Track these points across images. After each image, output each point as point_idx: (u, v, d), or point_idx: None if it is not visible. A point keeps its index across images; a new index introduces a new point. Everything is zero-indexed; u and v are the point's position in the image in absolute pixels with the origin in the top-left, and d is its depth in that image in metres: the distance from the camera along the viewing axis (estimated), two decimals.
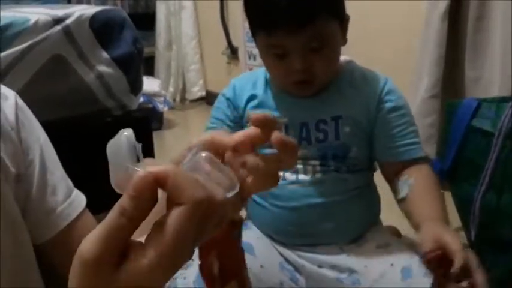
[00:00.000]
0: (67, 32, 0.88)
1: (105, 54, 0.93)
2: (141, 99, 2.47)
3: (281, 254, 0.85)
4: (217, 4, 2.86)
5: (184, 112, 3.07)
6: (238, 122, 0.87)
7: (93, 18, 0.91)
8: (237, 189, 0.29)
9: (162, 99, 2.62)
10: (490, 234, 1.00)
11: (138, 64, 0.99)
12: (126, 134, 0.28)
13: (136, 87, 1.01)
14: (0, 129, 0.48)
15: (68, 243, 0.53)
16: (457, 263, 0.61)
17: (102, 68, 0.92)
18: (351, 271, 0.81)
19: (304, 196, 0.84)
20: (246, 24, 3.11)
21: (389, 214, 0.99)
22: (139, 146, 0.28)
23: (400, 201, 0.82)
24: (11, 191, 0.48)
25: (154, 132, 2.54)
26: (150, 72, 3.19)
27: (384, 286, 0.77)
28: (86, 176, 0.62)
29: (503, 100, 1.03)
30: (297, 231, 0.85)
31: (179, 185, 0.26)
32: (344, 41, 0.82)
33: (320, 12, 0.74)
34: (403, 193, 0.80)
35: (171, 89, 3.20)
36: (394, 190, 0.84)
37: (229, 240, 0.64)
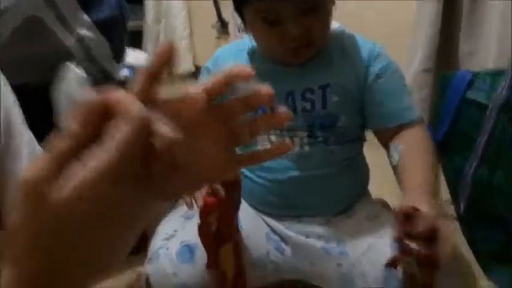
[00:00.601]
0: None
1: (86, 17, 0.88)
2: (127, 73, 2.46)
3: (267, 224, 0.84)
4: None
5: (172, 87, 3.01)
6: None
7: None
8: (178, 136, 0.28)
9: None
10: (480, 208, 0.99)
11: (121, 30, 0.95)
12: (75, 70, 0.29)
13: (119, 53, 0.97)
14: None
15: None
16: (423, 223, 0.59)
17: (83, 32, 0.88)
18: (339, 241, 0.80)
19: (291, 169, 0.82)
20: None
21: (379, 187, 0.97)
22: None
23: (394, 169, 0.81)
24: None
25: None
26: (138, 46, 3.12)
27: (372, 258, 0.76)
28: None
29: (498, 73, 1.00)
30: (283, 203, 0.83)
31: (125, 107, 0.26)
32: (334, 1, 0.79)
33: None
34: (394, 160, 0.79)
35: None
36: (388, 157, 0.83)
37: (229, 201, 0.63)
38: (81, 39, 0.87)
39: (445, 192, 1.11)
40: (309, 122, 0.81)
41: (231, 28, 2.86)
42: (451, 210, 1.19)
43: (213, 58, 0.89)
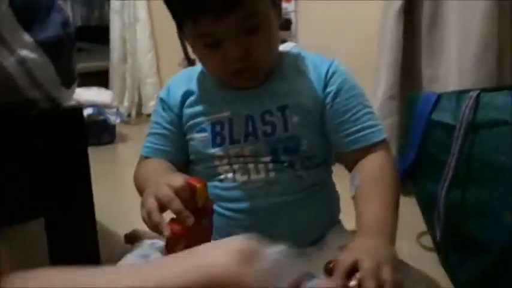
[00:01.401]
0: None
1: (27, 37, 0.80)
2: (91, 111, 2.38)
3: None
4: None
5: (139, 126, 2.93)
6: (175, 125, 0.80)
7: None
8: None
9: (114, 110, 2.48)
10: (457, 234, 0.93)
11: (68, 51, 0.88)
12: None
13: (68, 77, 0.89)
14: None
15: None
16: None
17: (25, 52, 0.80)
18: (312, 277, 0.72)
19: (257, 197, 0.76)
20: None
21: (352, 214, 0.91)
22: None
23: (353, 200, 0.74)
24: None
25: (106, 146, 2.44)
26: (104, 86, 3.05)
27: None
28: (5, 173, 0.50)
29: (462, 92, 0.98)
30: (255, 233, 0.76)
31: None
32: (280, 19, 0.76)
33: None
34: (351, 191, 0.73)
35: (126, 103, 3.06)
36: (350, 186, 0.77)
37: (200, 229, 0.56)
38: (22, 61, 0.79)
39: (421, 224, 1.07)
40: (271, 146, 0.75)
41: (199, 64, 2.84)
42: (427, 241, 1.15)
43: (165, 88, 0.83)
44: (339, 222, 0.87)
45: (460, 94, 0.93)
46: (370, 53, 1.55)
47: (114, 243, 1.18)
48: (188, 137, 0.79)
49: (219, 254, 0.44)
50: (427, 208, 1.01)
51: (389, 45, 1.42)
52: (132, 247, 0.82)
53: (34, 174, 0.78)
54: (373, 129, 0.76)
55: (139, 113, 3.11)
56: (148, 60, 3.03)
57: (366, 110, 0.77)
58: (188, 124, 0.79)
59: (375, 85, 1.47)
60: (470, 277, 0.93)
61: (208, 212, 0.62)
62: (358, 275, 0.54)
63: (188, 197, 0.58)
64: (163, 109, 0.81)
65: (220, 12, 0.65)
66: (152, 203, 0.58)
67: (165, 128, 0.80)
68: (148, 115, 3.13)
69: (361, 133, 0.75)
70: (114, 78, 3.12)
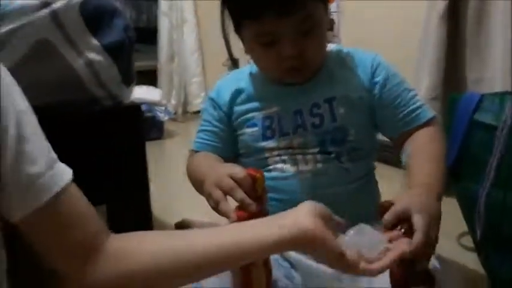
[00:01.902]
0: (54, 16, 0.83)
1: (95, 41, 0.88)
2: (144, 108, 2.48)
3: None
4: (218, 17, 2.85)
5: (185, 123, 3.03)
6: (224, 122, 0.84)
7: (84, 4, 0.87)
8: None
9: (163, 108, 2.59)
10: (498, 234, 0.93)
11: (129, 53, 0.95)
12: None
13: (128, 77, 0.96)
14: None
15: (50, 220, 0.47)
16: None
17: (92, 55, 0.88)
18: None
19: (306, 188, 0.79)
20: None
21: None
22: None
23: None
24: None
25: (154, 142, 2.55)
26: (153, 84, 3.17)
27: (385, 282, 0.70)
28: (72, 165, 0.56)
29: (506, 93, 0.98)
30: None
31: None
32: (330, 24, 0.80)
33: None
34: (403, 162, 0.77)
35: (173, 101, 3.17)
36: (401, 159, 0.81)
37: (261, 214, 0.62)
38: (90, 63, 0.87)
39: (462, 224, 1.07)
40: (320, 137, 0.79)
41: (242, 65, 2.90)
42: (467, 241, 1.14)
43: (215, 88, 0.88)
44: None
45: (503, 95, 0.93)
46: (412, 53, 1.54)
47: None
48: (238, 132, 0.83)
49: (301, 214, 0.53)
50: (468, 208, 1.00)
51: (433, 46, 1.41)
52: None
53: (98, 164, 0.85)
54: (422, 109, 0.80)
55: (185, 111, 3.21)
56: (194, 60, 3.12)
57: (412, 93, 0.81)
58: (238, 120, 0.83)
59: (416, 85, 1.46)
60: (510, 277, 0.92)
61: (266, 198, 0.67)
62: (405, 225, 0.58)
63: (250, 186, 0.63)
64: (213, 108, 0.86)
65: (282, 12, 0.70)
66: (219, 193, 0.64)
67: (214, 125, 0.85)
68: (194, 112, 3.22)
69: (413, 114, 0.79)
70: (162, 77, 3.24)
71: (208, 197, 0.67)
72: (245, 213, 0.61)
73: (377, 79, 0.80)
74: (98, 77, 0.89)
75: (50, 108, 0.83)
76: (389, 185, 0.85)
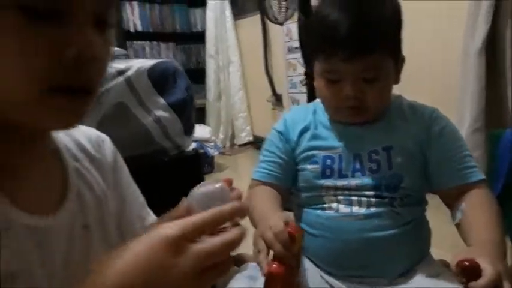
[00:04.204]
0: (128, 82, 0.94)
1: (162, 100, 0.98)
2: (194, 145, 2.60)
3: (330, 284, 0.82)
4: (262, 57, 2.96)
5: (233, 156, 3.12)
6: (289, 155, 0.86)
7: (151, 69, 0.98)
8: None
9: (212, 144, 2.69)
10: None
11: (190, 108, 1.04)
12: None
13: (189, 128, 1.05)
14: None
15: None
16: (486, 276, 0.55)
17: (160, 113, 0.97)
18: None
19: (357, 230, 0.79)
20: (289, 73, 3.20)
21: (440, 249, 0.93)
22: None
23: (457, 227, 0.77)
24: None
25: (206, 176, 2.63)
26: (202, 121, 3.31)
27: None
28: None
29: None
30: (347, 263, 0.81)
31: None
32: (397, 80, 0.81)
33: (377, 46, 0.74)
34: (456, 219, 0.76)
35: (221, 135, 3.29)
36: (452, 216, 0.80)
37: (293, 270, 0.64)
38: (158, 120, 0.97)
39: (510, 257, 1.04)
40: (375, 182, 0.79)
41: (285, 100, 2.98)
42: None
43: (282, 122, 0.90)
44: (428, 254, 0.89)
45: None
46: (451, 89, 1.54)
47: None
48: (300, 166, 0.85)
49: None
50: None
51: (473, 78, 1.40)
52: (238, 269, 0.92)
53: (169, 205, 0.93)
54: (475, 169, 0.78)
55: (232, 144, 3.31)
56: (239, 97, 3.24)
57: (467, 152, 0.80)
58: (302, 156, 0.85)
59: (458, 120, 1.46)
60: None
61: (300, 256, 0.70)
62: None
63: (287, 242, 0.64)
64: (280, 140, 0.87)
65: (348, 57, 0.73)
66: (261, 244, 0.66)
67: (279, 157, 0.86)
68: (240, 145, 3.32)
69: (465, 171, 0.78)
70: (210, 113, 3.38)
71: (254, 244, 0.69)
72: (277, 267, 0.61)
73: (434, 130, 0.80)
74: (165, 131, 0.99)
75: (126, 161, 0.93)
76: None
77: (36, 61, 0.35)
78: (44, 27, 0.35)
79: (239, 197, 0.45)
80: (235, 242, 0.36)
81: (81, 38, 0.36)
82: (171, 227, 0.34)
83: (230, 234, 0.36)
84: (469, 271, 0.56)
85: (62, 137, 0.49)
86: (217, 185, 0.44)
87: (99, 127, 0.89)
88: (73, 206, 0.46)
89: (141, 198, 0.59)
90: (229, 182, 0.41)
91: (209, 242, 0.34)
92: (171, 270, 0.32)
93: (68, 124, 0.40)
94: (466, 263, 0.57)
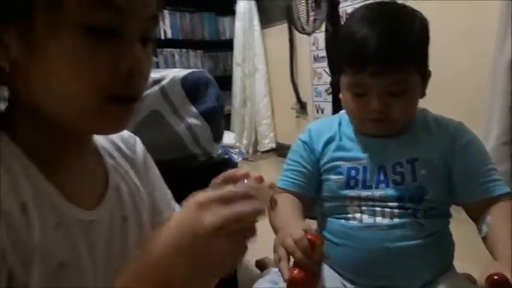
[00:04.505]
0: (163, 91, 0.99)
1: (193, 109, 1.02)
2: (219, 151, 2.65)
3: None
4: (287, 65, 2.99)
5: (255, 162, 3.15)
6: (313, 165, 0.88)
7: (184, 79, 1.02)
8: None
9: (237, 150, 2.72)
10: None
11: (219, 116, 1.08)
12: None
13: (218, 136, 1.09)
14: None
15: None
16: None
17: (191, 120, 1.02)
18: None
19: (380, 240, 0.80)
20: (314, 82, 3.22)
21: (463, 262, 0.93)
22: None
23: (483, 240, 0.77)
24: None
25: None
26: (227, 127, 3.35)
27: None
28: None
29: None
30: (369, 273, 0.82)
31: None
32: (423, 93, 0.82)
33: (405, 62, 0.75)
34: (482, 232, 0.76)
35: (244, 141, 3.33)
36: (478, 229, 0.80)
37: (314, 276, 0.66)
38: (190, 127, 1.01)
39: None
40: (399, 193, 0.80)
41: (309, 108, 3.00)
42: None
43: (307, 132, 0.92)
44: (451, 268, 0.89)
45: None
46: (477, 103, 1.53)
47: (246, 266, 1.32)
48: (324, 177, 0.86)
49: None
50: None
51: (502, 92, 1.40)
52: (261, 273, 0.94)
53: None
54: (500, 183, 0.78)
55: (255, 150, 3.35)
56: (264, 104, 3.27)
57: (492, 165, 0.80)
58: (326, 166, 0.86)
59: (485, 133, 1.45)
60: None
61: (321, 262, 0.69)
62: None
63: (307, 249, 0.65)
64: (305, 150, 0.89)
65: (375, 72, 0.75)
66: (282, 252, 0.65)
67: (303, 166, 0.88)
68: (263, 152, 3.35)
69: (490, 184, 0.77)
70: (235, 120, 3.42)
71: (274, 251, 0.70)
72: (299, 273, 0.63)
73: (459, 143, 0.80)
74: (196, 138, 1.03)
75: (158, 166, 0.97)
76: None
77: (99, 73, 0.41)
78: (104, 44, 0.41)
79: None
80: (260, 210, 0.37)
81: (132, 54, 0.42)
82: (202, 194, 0.37)
83: (257, 202, 0.38)
84: (498, 285, 0.56)
85: (99, 138, 0.54)
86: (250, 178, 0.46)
87: (135, 133, 0.94)
88: (113, 200, 0.50)
89: (169, 194, 0.63)
90: (261, 179, 0.43)
91: (235, 205, 0.36)
92: (201, 224, 0.35)
93: (119, 129, 0.46)
94: (496, 277, 0.57)
